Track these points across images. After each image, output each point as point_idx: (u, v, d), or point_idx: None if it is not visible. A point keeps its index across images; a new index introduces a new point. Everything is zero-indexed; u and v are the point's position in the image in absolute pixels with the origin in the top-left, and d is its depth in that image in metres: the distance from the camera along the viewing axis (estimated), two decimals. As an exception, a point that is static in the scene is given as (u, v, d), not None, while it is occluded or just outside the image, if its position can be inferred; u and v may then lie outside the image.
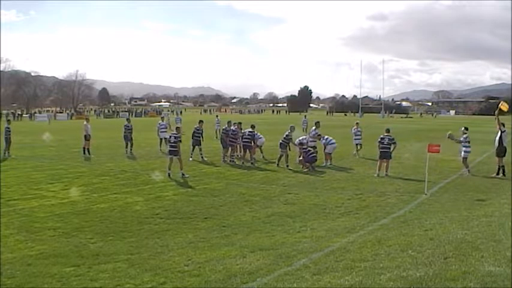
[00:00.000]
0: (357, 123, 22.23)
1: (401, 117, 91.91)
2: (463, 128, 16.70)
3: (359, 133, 21.25)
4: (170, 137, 15.87)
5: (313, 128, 18.74)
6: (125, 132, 21.91)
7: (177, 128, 16.75)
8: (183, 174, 15.02)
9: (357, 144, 21.07)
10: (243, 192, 12.68)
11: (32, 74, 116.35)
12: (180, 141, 15.61)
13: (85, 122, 21.71)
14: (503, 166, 15.42)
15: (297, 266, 6.20)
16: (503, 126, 15.89)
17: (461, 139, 16.24)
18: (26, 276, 6.31)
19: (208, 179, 14.72)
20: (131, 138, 21.83)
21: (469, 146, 16.11)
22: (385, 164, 15.78)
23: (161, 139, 22.93)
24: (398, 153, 19.43)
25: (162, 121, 24.29)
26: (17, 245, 7.82)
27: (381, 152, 15.87)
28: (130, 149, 21.58)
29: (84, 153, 20.49)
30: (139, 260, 7.00)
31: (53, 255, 7.32)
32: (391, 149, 15.97)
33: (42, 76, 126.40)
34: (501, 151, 15.55)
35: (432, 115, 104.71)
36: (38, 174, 15.40)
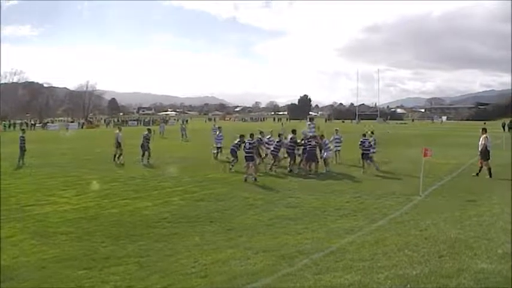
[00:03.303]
0: (336, 130, 21.04)
1: (396, 123, 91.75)
2: (369, 132, 17.97)
3: (339, 140, 20.30)
4: (245, 143, 16.15)
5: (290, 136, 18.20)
6: (143, 141, 20.90)
7: (251, 135, 16.93)
8: (255, 179, 15.21)
9: (336, 151, 20.11)
10: (246, 197, 12.65)
11: (45, 85, 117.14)
12: (255, 147, 16.03)
13: (117, 131, 21.95)
14: (489, 168, 15.63)
15: (299, 266, 6.20)
16: (485, 131, 16.52)
17: (363, 141, 17.39)
18: (40, 279, 6.33)
19: (214, 185, 14.69)
20: (148, 148, 20.80)
21: (374, 147, 17.69)
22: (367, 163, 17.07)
23: (218, 148, 21.99)
24: (394, 157, 19.41)
25: (220, 132, 22.87)
26: (31, 249, 7.83)
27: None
28: (148, 159, 20.57)
29: (114, 160, 20.59)
30: (148, 262, 7.01)
31: (66, 258, 7.32)
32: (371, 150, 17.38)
33: (54, 87, 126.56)
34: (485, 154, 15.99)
35: (440, 122, 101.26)
36: (52, 181, 15.42)
